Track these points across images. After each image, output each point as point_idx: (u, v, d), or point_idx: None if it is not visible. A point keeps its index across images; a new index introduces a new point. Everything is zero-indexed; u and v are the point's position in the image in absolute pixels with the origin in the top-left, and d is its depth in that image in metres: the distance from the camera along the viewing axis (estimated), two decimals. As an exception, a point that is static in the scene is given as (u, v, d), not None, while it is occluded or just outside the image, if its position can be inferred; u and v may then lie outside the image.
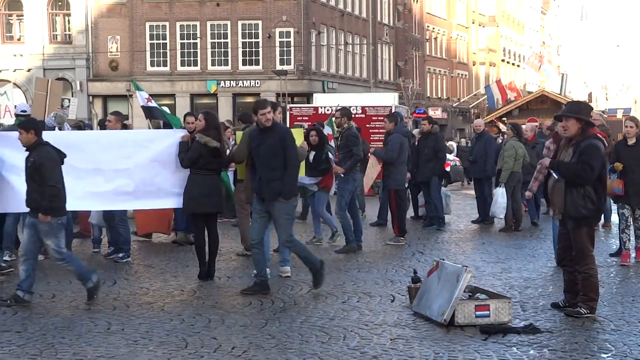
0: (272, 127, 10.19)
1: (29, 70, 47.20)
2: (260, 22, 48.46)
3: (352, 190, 13.95)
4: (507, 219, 16.78)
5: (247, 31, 48.61)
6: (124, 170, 11.22)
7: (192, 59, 48.97)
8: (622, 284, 10.87)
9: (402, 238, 14.76)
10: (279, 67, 46.49)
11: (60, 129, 14.06)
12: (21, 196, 10.97)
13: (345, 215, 13.83)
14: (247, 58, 48.75)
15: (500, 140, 21.99)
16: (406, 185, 17.24)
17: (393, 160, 14.79)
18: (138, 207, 13.65)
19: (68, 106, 23.43)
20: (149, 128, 18.48)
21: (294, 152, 10.25)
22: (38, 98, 21.14)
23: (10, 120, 18.87)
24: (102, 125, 15.80)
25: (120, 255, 12.66)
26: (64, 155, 9.67)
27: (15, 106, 16.20)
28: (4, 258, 12.47)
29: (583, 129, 8.84)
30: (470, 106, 72.56)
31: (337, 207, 13.86)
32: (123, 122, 13.45)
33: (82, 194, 11.21)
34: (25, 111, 12.92)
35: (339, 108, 14.66)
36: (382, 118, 25.36)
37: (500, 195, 16.61)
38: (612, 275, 11.46)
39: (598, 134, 9.08)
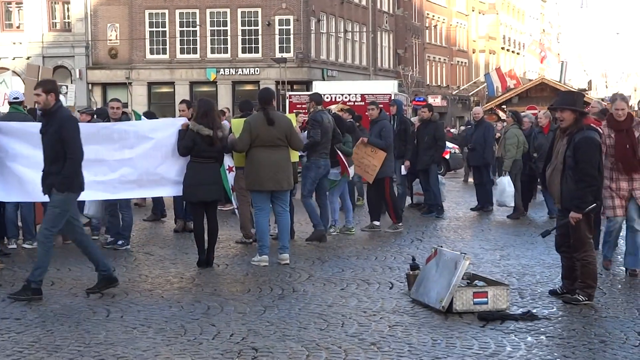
0: (53, 113, 9.12)
1: (28, 58, 47.09)
2: (259, 10, 48.41)
3: (314, 177, 13.48)
4: (518, 205, 16.80)
5: (246, 19, 48.55)
6: (127, 160, 11.28)
7: (191, 46, 48.92)
8: (620, 271, 10.87)
9: (400, 225, 14.78)
10: (278, 55, 46.47)
11: None
12: (27, 186, 11.04)
13: (309, 202, 13.56)
14: (247, 46, 48.69)
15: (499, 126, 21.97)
16: (404, 173, 17.30)
17: (391, 147, 14.82)
18: (142, 196, 13.78)
19: (66, 93, 23.45)
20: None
21: (75, 145, 9.06)
22: (29, 84, 21.17)
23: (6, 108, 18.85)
24: (101, 113, 15.77)
25: (120, 242, 12.69)
26: None
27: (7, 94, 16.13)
28: (10, 246, 12.51)
29: (577, 119, 8.87)
30: (470, 94, 72.46)
31: (301, 194, 13.61)
32: (123, 110, 13.60)
33: (86, 183, 11.25)
34: (17, 98, 12.85)
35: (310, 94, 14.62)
36: (382, 106, 25.42)
37: (507, 184, 16.60)
38: (610, 262, 11.46)
39: (592, 124, 9.07)
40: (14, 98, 12.79)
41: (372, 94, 27.11)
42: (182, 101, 13.89)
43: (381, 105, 15.58)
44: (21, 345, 7.26)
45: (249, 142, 11.13)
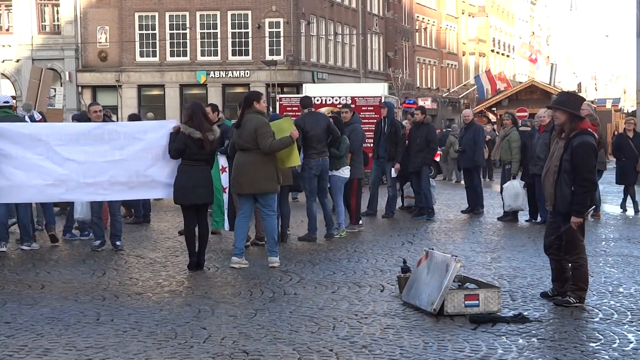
0: None
1: (17, 61, 47.07)
2: (249, 13, 48.39)
3: (308, 177, 13.72)
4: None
5: (236, 21, 48.52)
6: (117, 162, 11.26)
7: (181, 49, 48.88)
8: (611, 273, 10.88)
9: (357, 225, 15.13)
10: (268, 58, 46.44)
11: (30, 117, 14.26)
12: (17, 188, 11.06)
13: (311, 206, 13.83)
14: (237, 48, 48.68)
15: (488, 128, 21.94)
16: (394, 176, 17.31)
17: (359, 149, 15.14)
18: (132, 197, 13.74)
19: (54, 96, 23.54)
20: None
21: None
22: (32, 86, 21.21)
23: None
24: (80, 118, 15.79)
25: (118, 243, 12.77)
26: None
27: None
28: (0, 249, 12.46)
29: (570, 119, 8.89)
30: (460, 96, 72.58)
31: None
32: (104, 113, 13.65)
33: (76, 184, 11.24)
34: (7, 102, 12.79)
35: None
36: (372, 108, 25.44)
37: (520, 187, 16.33)
38: (601, 264, 11.49)
39: (589, 128, 9.07)
40: (4, 102, 12.73)
41: (363, 97, 27.10)
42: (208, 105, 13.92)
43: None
44: (10, 349, 7.22)
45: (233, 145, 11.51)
